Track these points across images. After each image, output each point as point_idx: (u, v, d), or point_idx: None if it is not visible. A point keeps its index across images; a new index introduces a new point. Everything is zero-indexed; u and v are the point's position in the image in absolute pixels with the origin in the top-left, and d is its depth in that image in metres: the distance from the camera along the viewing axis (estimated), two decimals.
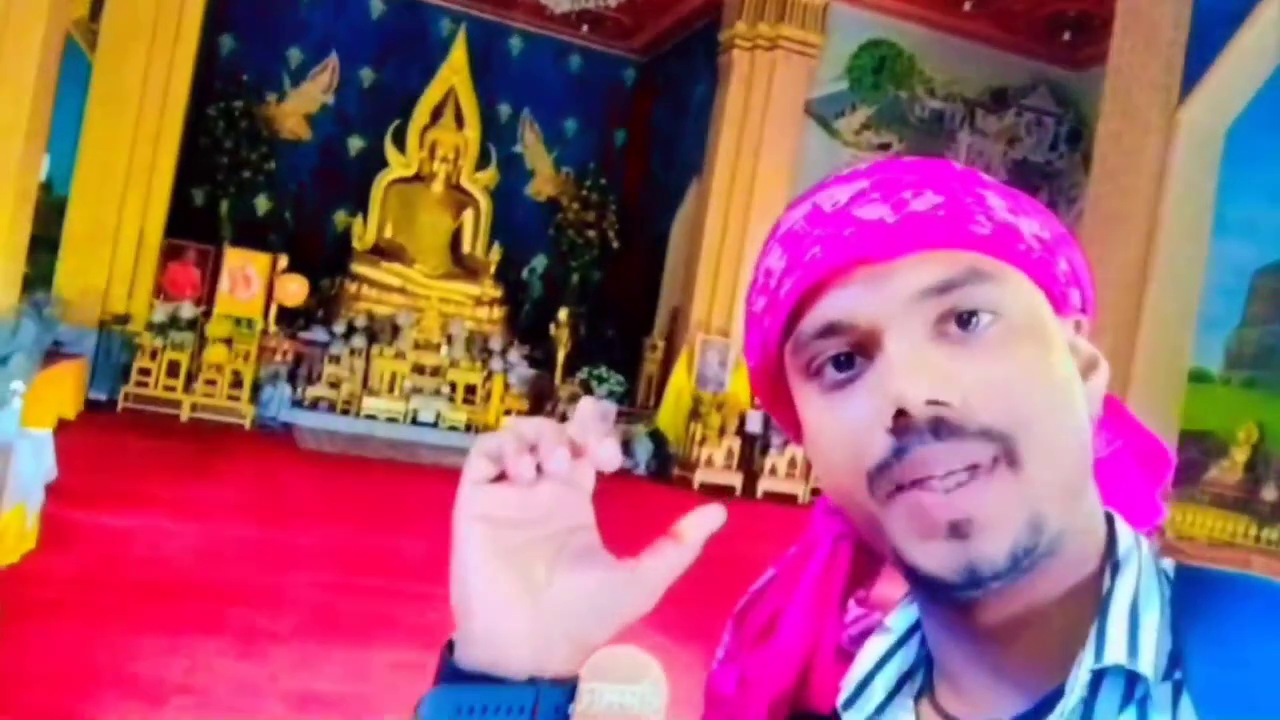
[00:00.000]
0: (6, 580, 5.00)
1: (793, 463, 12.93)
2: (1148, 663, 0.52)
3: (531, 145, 17.95)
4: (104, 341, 12.23)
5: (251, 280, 13.53)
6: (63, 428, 8.10)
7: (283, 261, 13.70)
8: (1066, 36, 14.69)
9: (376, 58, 16.92)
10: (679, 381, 13.70)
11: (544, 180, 18.02)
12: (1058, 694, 0.54)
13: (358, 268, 15.15)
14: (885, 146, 14.62)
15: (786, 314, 0.59)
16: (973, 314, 0.55)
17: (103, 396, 11.87)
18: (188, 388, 12.20)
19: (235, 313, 13.12)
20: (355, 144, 16.80)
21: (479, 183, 16.44)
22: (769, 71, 14.19)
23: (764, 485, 12.91)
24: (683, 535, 0.55)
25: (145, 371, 12.10)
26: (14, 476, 5.35)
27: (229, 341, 12.55)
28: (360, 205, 15.98)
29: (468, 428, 13.89)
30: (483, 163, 16.54)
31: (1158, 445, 0.66)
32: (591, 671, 0.60)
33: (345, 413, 13.38)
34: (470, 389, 14.25)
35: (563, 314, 15.27)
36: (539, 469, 0.53)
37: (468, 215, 16.36)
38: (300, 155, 16.41)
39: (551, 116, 17.97)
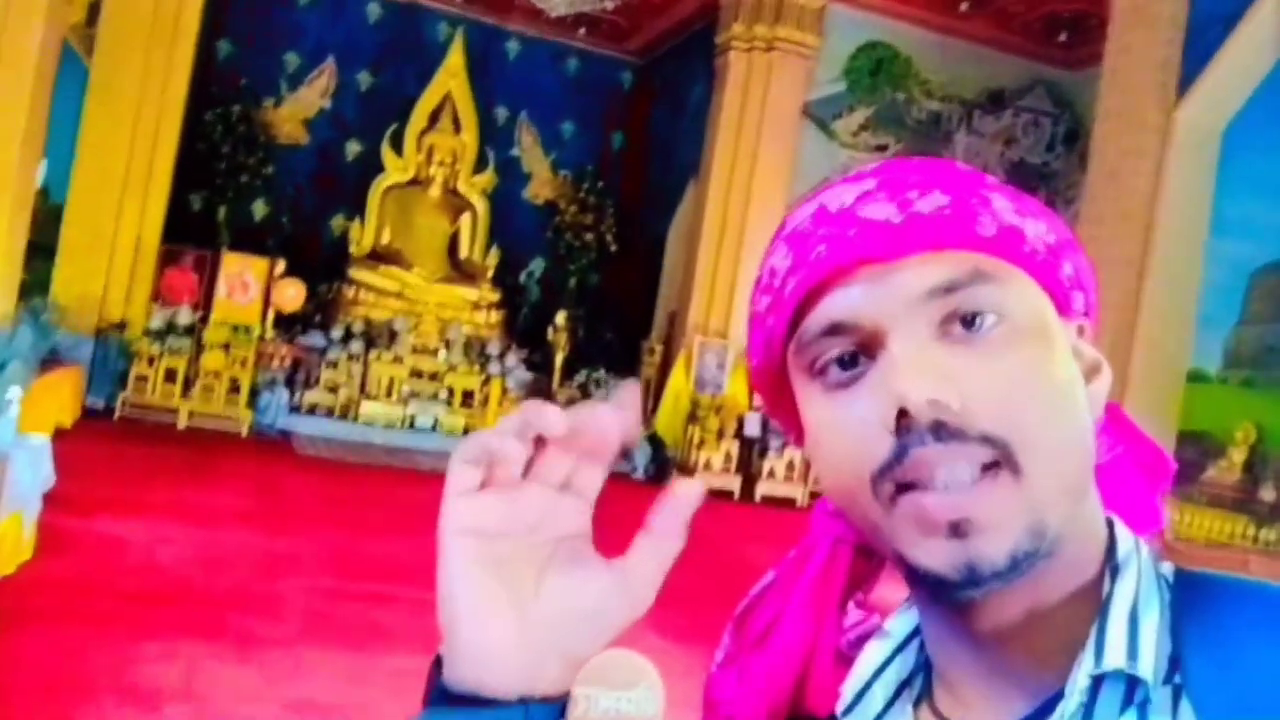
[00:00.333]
0: (4, 588, 4.99)
1: (791, 466, 12.93)
2: (1147, 667, 0.52)
3: (529, 148, 17.95)
4: (101, 348, 12.21)
5: (249, 286, 13.52)
6: (60, 435, 8.10)
7: (280, 266, 13.69)
8: (1063, 37, 14.70)
9: (374, 62, 16.92)
10: (677, 384, 13.70)
11: (541, 183, 18.02)
12: (1057, 697, 0.54)
13: (355, 272, 15.14)
14: (883, 148, 14.63)
15: (790, 313, 0.59)
16: (977, 315, 0.55)
17: (100, 404, 11.86)
18: (185, 394, 12.19)
19: (233, 318, 13.11)
20: (353, 148, 16.80)
21: (476, 186, 16.44)
22: (766, 73, 14.19)
23: (762, 489, 12.91)
24: (658, 528, 0.54)
25: (142, 378, 12.09)
26: (11, 484, 5.34)
27: (226, 347, 12.54)
28: (358, 210, 15.97)
29: (465, 432, 13.86)
30: (480, 166, 16.53)
31: (1159, 453, 0.66)
32: (587, 677, 0.59)
33: (343, 418, 13.37)
34: (468, 394, 14.24)
35: (561, 317, 15.27)
36: (525, 471, 0.52)
37: (465, 219, 16.35)
38: (298, 160, 16.40)
39: (549, 120, 17.98)
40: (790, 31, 14.14)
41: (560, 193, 17.92)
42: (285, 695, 4.40)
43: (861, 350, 0.56)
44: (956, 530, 0.52)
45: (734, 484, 12.94)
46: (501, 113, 17.58)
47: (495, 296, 15.77)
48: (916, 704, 0.62)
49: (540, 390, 14.77)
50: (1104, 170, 9.32)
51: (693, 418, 13.40)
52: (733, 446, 13.14)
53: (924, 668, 0.63)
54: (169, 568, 6.08)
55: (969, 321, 0.55)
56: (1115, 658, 0.52)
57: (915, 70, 14.98)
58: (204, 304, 13.26)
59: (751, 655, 0.68)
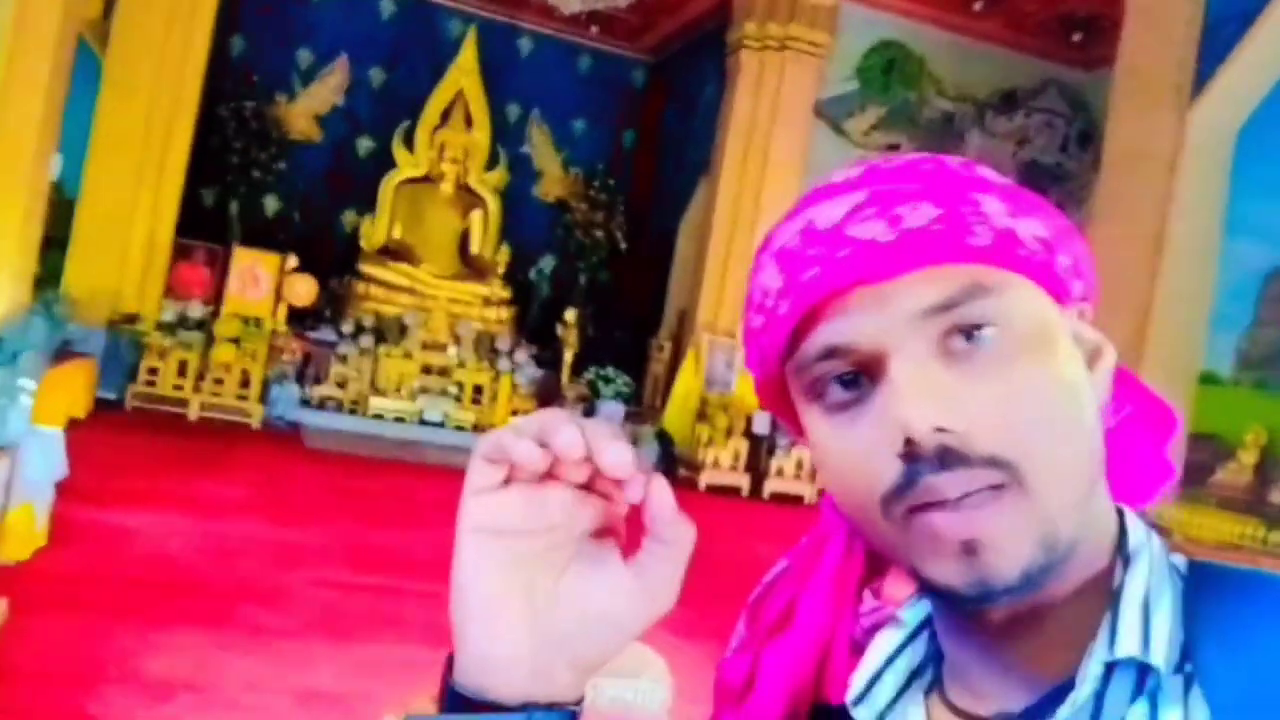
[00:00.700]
0: (16, 577, 5.02)
1: (800, 464, 12.91)
2: (1160, 655, 0.52)
3: (540, 146, 17.96)
4: (113, 341, 12.26)
5: (260, 280, 13.56)
6: (72, 426, 8.13)
7: (291, 261, 13.72)
8: (1077, 37, 14.65)
9: (386, 59, 16.95)
10: (686, 382, 13.69)
11: (552, 181, 18.04)
12: (1068, 686, 0.54)
13: (366, 268, 15.17)
14: (894, 147, 14.59)
15: (786, 335, 0.58)
16: (977, 327, 0.54)
17: (112, 395, 11.91)
18: (196, 387, 12.23)
19: (244, 312, 13.15)
20: (365, 145, 16.83)
21: (487, 183, 16.45)
22: (778, 72, 14.17)
23: (771, 486, 12.89)
24: (661, 533, 0.53)
25: (154, 371, 12.13)
26: (24, 474, 5.37)
27: (237, 341, 12.58)
28: (369, 206, 16.00)
29: (475, 428, 13.88)
30: (491, 163, 16.54)
31: (1163, 407, 0.65)
32: None
33: (353, 412, 13.40)
34: (478, 389, 14.26)
35: (570, 314, 15.27)
36: (549, 474, 0.51)
37: (476, 216, 16.36)
38: (310, 156, 16.45)
39: (560, 117, 17.99)
40: (803, 30, 14.12)
41: (571, 190, 17.93)
42: (293, 686, 4.42)
43: (862, 369, 0.56)
44: (968, 549, 0.52)
45: (743, 482, 12.94)
46: (513, 110, 17.60)
47: (505, 293, 15.79)
48: (927, 693, 0.62)
49: (550, 387, 14.78)
50: (1117, 171, 9.29)
51: (701, 415, 13.39)
52: (741, 444, 13.13)
53: (935, 657, 0.63)
54: (179, 558, 6.10)
55: (969, 334, 0.54)
56: (1128, 646, 0.52)
57: (928, 70, 14.94)
58: (215, 298, 13.31)
59: (768, 643, 0.68)
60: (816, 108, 14.43)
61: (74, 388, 9.43)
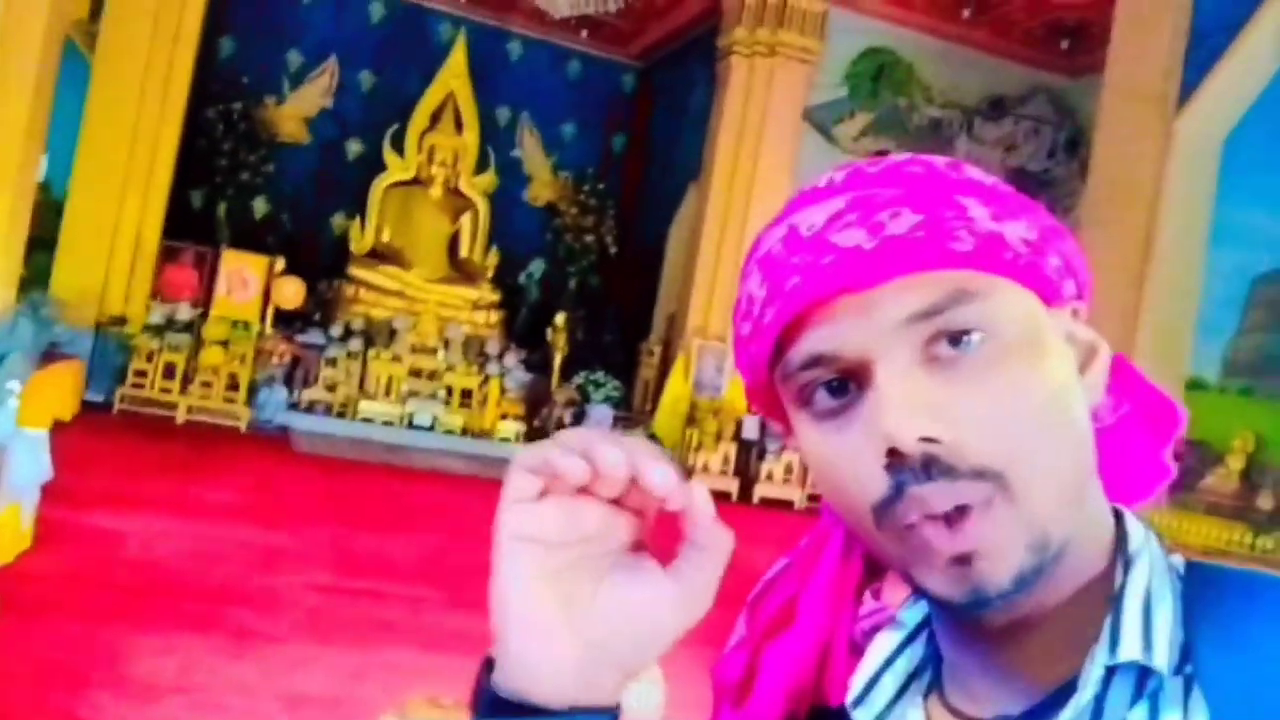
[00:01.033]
0: (1, 579, 4.99)
1: (789, 469, 12.94)
2: (1162, 658, 0.52)
3: (530, 150, 17.97)
4: (100, 343, 12.21)
5: (249, 282, 13.52)
6: (59, 428, 8.09)
7: (280, 264, 13.69)
8: (1065, 45, 14.73)
9: (376, 61, 16.94)
10: (676, 387, 13.70)
11: (542, 185, 18.04)
12: (1068, 689, 0.54)
13: (355, 271, 15.14)
14: (883, 153, 14.20)
15: (772, 343, 0.58)
16: (963, 333, 0.54)
17: (99, 398, 11.85)
18: (184, 390, 12.19)
19: (232, 315, 13.11)
20: (354, 147, 16.81)
21: (477, 187, 16.44)
22: (768, 78, 14.21)
23: (760, 491, 12.91)
24: (701, 539, 0.54)
25: (141, 373, 12.08)
26: (10, 476, 5.34)
27: (225, 344, 12.54)
28: (358, 208, 15.97)
29: (464, 432, 13.87)
30: (481, 167, 16.54)
31: (1166, 402, 0.65)
32: None
33: (341, 416, 13.36)
34: (466, 393, 14.24)
35: (560, 318, 15.26)
36: (587, 488, 0.52)
37: (465, 219, 16.35)
38: (299, 158, 16.41)
39: (550, 121, 18.00)
40: (792, 36, 14.16)
41: (561, 194, 17.94)
42: (281, 689, 4.40)
43: (848, 376, 0.55)
44: (960, 560, 0.52)
45: (732, 486, 12.95)
46: (503, 114, 17.60)
47: (495, 297, 15.78)
48: (926, 695, 0.62)
49: (539, 391, 14.77)
50: (1104, 178, 9.33)
51: (691, 420, 13.41)
52: (731, 449, 13.15)
53: (934, 659, 0.63)
54: (166, 561, 6.07)
55: (955, 340, 0.54)
56: (1130, 649, 0.52)
57: (917, 76, 15.00)
58: (204, 300, 13.27)
59: (768, 642, 0.68)
60: (806, 113, 14.47)
61: (61, 390, 9.39)
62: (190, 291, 13.24)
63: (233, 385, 12.41)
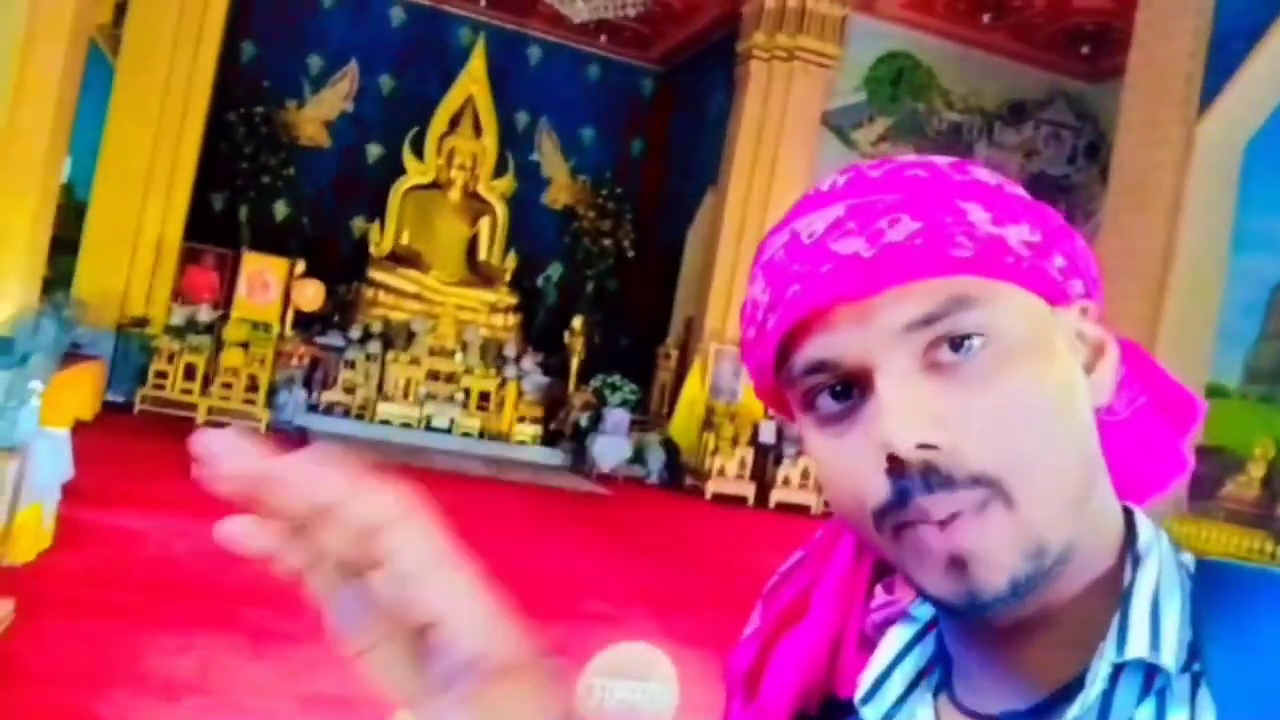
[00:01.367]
0: (23, 578, 5.03)
1: (805, 473, 12.90)
2: (1170, 656, 0.52)
3: (549, 154, 18.01)
4: (122, 344, 12.31)
5: (269, 285, 13.61)
6: (80, 429, 8.15)
7: (300, 267, 13.78)
8: (1085, 50, 14.65)
9: (396, 66, 17.02)
10: (692, 391, 13.69)
11: (560, 188, 18.07)
12: (1075, 685, 0.54)
13: (374, 274, 15.22)
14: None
15: (775, 348, 0.58)
16: (963, 338, 0.53)
17: (120, 398, 11.95)
18: (204, 391, 12.27)
19: (252, 317, 13.20)
20: (374, 151, 16.89)
21: (496, 190, 16.50)
22: (786, 82, 14.21)
23: (777, 496, 12.89)
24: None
25: (162, 374, 12.18)
26: (31, 475, 5.39)
27: (246, 345, 12.62)
28: (378, 212, 16.05)
29: (481, 434, 13.91)
30: (500, 170, 16.60)
31: (1184, 394, 0.64)
32: (601, 667, 0.60)
33: (360, 418, 13.43)
34: (484, 396, 14.28)
35: (577, 322, 15.29)
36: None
37: (484, 223, 16.41)
38: (319, 162, 16.50)
39: (569, 125, 18.03)
40: (811, 41, 14.15)
41: (579, 198, 17.97)
42: (298, 689, 4.43)
43: (851, 381, 0.56)
44: (956, 563, 0.52)
45: (749, 491, 12.93)
46: (522, 118, 17.65)
47: (513, 300, 15.82)
48: (935, 692, 0.62)
49: (556, 394, 14.80)
50: (1125, 184, 9.28)
51: (708, 424, 13.39)
52: (747, 453, 13.13)
53: (943, 656, 0.63)
54: (185, 561, 6.11)
55: (956, 345, 0.53)
56: (1138, 647, 0.52)
57: (936, 81, 14.96)
58: (224, 302, 13.36)
59: (781, 633, 0.69)
60: (824, 118, 14.46)
61: (82, 390, 9.47)
62: (211, 293, 13.34)
63: (252, 387, 12.49)
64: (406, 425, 13.52)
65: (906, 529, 0.53)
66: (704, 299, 14.48)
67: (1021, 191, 0.59)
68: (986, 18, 14.26)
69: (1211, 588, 0.56)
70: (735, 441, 13.16)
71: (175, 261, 13.14)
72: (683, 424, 13.61)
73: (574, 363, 14.96)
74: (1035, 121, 15.43)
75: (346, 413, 13.41)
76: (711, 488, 12.84)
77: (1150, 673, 0.53)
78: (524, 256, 16.32)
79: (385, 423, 13.39)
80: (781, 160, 14.08)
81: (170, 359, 12.20)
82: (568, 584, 7.03)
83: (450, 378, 14.23)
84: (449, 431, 13.67)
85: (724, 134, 14.88)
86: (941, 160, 0.58)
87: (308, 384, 13.37)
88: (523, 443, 14.08)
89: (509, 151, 16.75)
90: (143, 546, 6.23)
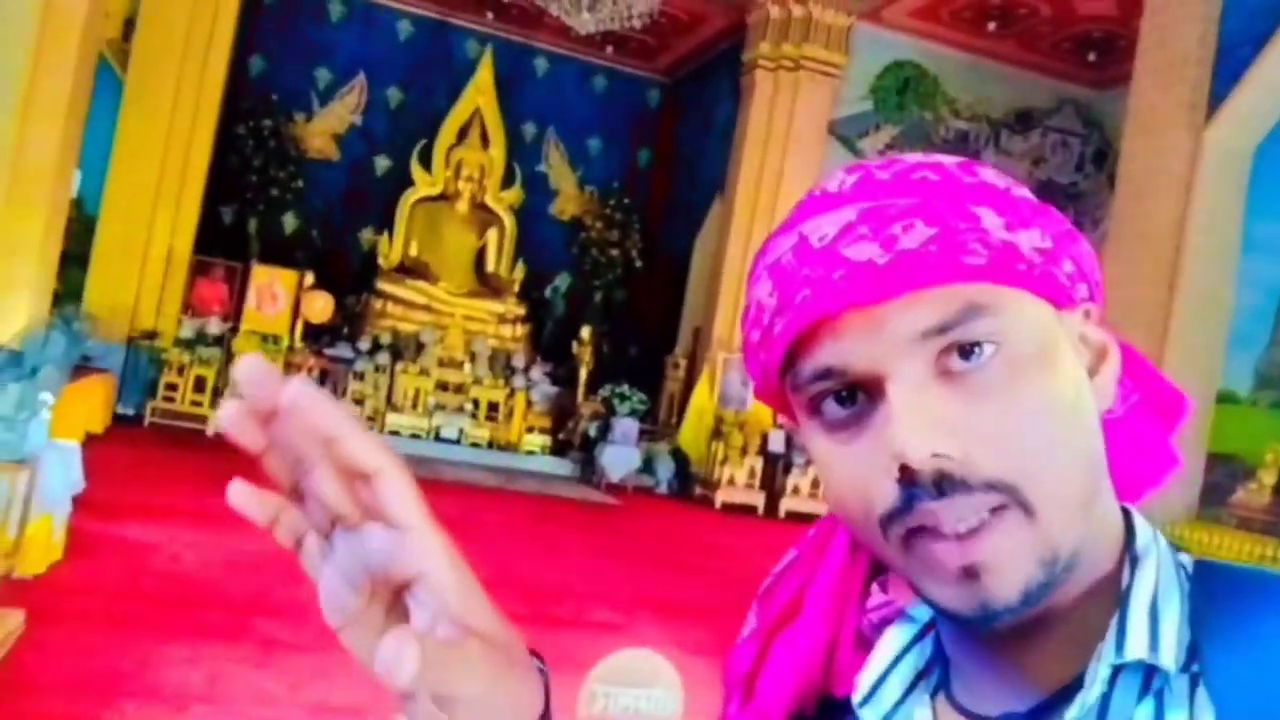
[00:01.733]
0: (34, 589, 5.05)
1: (815, 482, 12.85)
2: (1169, 657, 0.52)
3: (556, 165, 18.04)
4: (132, 357, 12.36)
5: (278, 297, 13.65)
6: (90, 441, 8.18)
7: (309, 278, 13.82)
8: (1091, 57, 14.64)
9: (404, 78, 17.08)
10: (701, 400, 13.68)
11: (568, 199, 18.10)
12: (1074, 687, 0.54)
13: (383, 285, 15.25)
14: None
15: (782, 353, 0.57)
16: (974, 346, 0.53)
17: (130, 411, 11.99)
18: (214, 403, 12.30)
19: (262, 329, 13.24)
20: (382, 163, 16.94)
21: (503, 201, 16.54)
22: (792, 92, 14.23)
23: (786, 505, 12.85)
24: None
25: (172, 387, 12.22)
26: (42, 487, 5.40)
27: None
28: (386, 223, 16.10)
29: (490, 445, 13.92)
30: (507, 182, 16.64)
31: (1173, 392, 0.65)
32: (605, 674, 0.60)
33: (369, 429, 13.42)
34: (493, 406, 14.29)
35: (585, 332, 15.30)
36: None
37: (492, 234, 16.45)
38: (328, 174, 16.56)
39: (576, 136, 18.07)
40: (817, 50, 14.17)
41: (586, 209, 17.99)
42: (307, 699, 4.43)
43: (859, 388, 0.55)
44: (968, 573, 0.52)
45: (758, 500, 12.90)
46: (529, 129, 17.69)
47: (521, 310, 15.84)
48: (934, 693, 0.62)
49: (564, 405, 14.80)
50: (1133, 191, 9.26)
51: (717, 433, 13.37)
52: (757, 463, 13.10)
53: (942, 657, 0.63)
54: (194, 572, 6.12)
55: (966, 353, 0.53)
56: (1137, 649, 0.52)
57: (943, 90, 14.95)
58: (234, 314, 13.41)
59: (777, 633, 0.69)
60: (830, 127, 14.47)
61: (92, 402, 9.50)
62: (220, 306, 13.39)
63: None
64: (415, 436, 13.54)
65: (916, 538, 0.53)
66: (712, 308, 14.49)
67: (1028, 193, 0.58)
68: (992, 26, 14.26)
69: (1210, 589, 0.56)
70: (744, 450, 13.14)
71: (185, 274, 13.20)
72: (692, 433, 13.60)
73: (582, 373, 14.96)
74: (1042, 129, 15.42)
75: None
76: (721, 497, 12.82)
77: (1149, 673, 0.53)
78: (532, 267, 16.35)
79: (394, 434, 13.40)
80: (788, 169, 14.08)
81: (180, 371, 12.24)
82: (576, 594, 7.02)
83: (459, 388, 14.24)
84: (458, 442, 13.68)
85: (730, 143, 14.89)
86: (949, 161, 0.58)
87: None
88: (531, 453, 14.08)
89: (516, 163, 16.79)
90: (153, 558, 6.24)
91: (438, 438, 13.66)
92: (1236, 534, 8.09)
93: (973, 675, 0.60)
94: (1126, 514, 0.59)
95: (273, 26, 15.94)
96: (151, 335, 12.53)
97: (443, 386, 14.16)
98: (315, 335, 14.09)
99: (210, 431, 12.02)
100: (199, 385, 12.25)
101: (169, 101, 12.56)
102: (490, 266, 16.37)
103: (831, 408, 0.56)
